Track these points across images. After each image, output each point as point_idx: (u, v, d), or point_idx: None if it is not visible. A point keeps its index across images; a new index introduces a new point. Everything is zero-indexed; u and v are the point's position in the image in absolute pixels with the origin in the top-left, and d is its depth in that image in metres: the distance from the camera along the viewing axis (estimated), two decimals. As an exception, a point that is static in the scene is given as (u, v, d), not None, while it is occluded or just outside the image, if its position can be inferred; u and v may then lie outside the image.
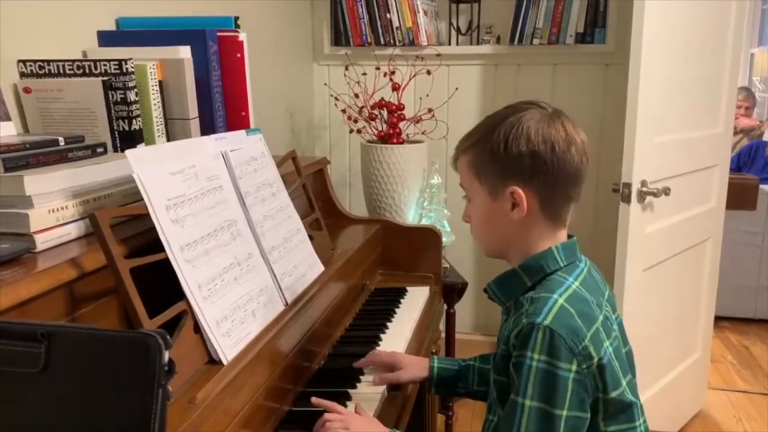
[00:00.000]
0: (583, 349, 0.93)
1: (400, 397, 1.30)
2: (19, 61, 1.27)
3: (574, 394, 0.92)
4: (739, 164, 4.09)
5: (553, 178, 0.99)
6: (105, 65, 1.26)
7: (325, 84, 2.77)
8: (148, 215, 0.97)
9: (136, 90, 1.28)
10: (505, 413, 0.96)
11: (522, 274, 1.03)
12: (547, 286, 0.99)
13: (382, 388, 1.25)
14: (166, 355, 0.58)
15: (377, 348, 1.42)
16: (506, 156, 0.99)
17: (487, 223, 1.06)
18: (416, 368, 1.29)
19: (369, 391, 1.24)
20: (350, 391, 1.23)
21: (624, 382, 0.99)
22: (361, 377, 1.28)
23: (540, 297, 0.97)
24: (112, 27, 1.51)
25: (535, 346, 0.92)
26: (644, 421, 1.04)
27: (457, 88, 2.63)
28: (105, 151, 1.15)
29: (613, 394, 0.97)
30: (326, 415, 1.08)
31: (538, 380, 0.92)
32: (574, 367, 0.92)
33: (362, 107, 2.38)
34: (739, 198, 3.22)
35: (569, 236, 1.07)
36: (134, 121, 1.27)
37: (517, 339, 0.95)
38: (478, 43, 2.74)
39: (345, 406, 1.17)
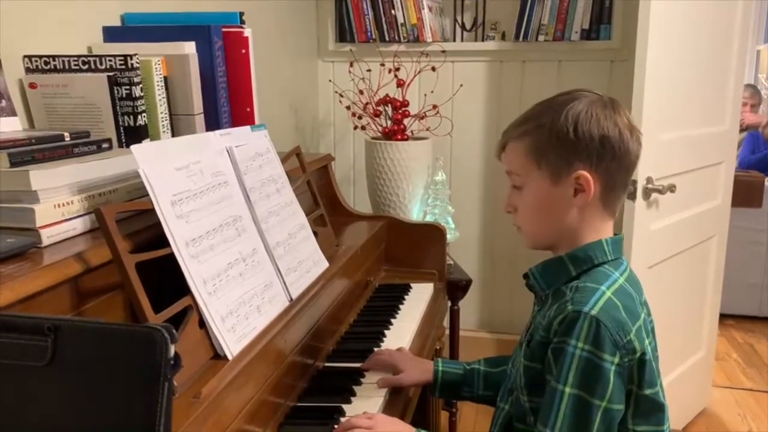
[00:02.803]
0: (627, 343, 0.92)
1: (404, 394, 1.30)
2: (25, 56, 1.27)
3: (616, 387, 0.92)
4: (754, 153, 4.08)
5: (617, 164, 0.99)
6: (110, 61, 1.26)
7: (330, 80, 2.77)
8: (153, 210, 0.97)
9: (141, 86, 1.28)
10: (544, 399, 0.95)
11: (568, 263, 1.02)
12: (594, 278, 0.99)
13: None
14: (172, 349, 0.58)
15: (382, 345, 1.42)
16: (576, 139, 0.98)
17: (543, 210, 1.04)
18: (419, 371, 1.28)
19: (373, 387, 1.24)
20: (354, 387, 1.23)
21: (658, 383, 0.99)
22: (365, 373, 1.28)
23: (586, 287, 0.97)
24: (117, 23, 1.51)
25: (580, 334, 0.92)
26: (669, 427, 1.04)
27: (461, 85, 2.62)
28: (110, 147, 1.15)
29: (648, 392, 0.97)
30: (352, 420, 1.07)
31: (580, 369, 0.92)
32: (616, 360, 0.92)
33: (366, 104, 2.37)
34: (745, 195, 3.21)
35: (615, 234, 1.06)
36: (139, 116, 1.28)
37: (561, 325, 0.94)
38: (482, 40, 2.73)
39: (349, 402, 1.17)
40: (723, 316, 2.93)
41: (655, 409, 0.99)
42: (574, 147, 0.98)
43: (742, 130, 4.20)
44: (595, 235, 1.02)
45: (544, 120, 1.00)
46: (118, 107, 1.26)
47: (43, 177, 0.94)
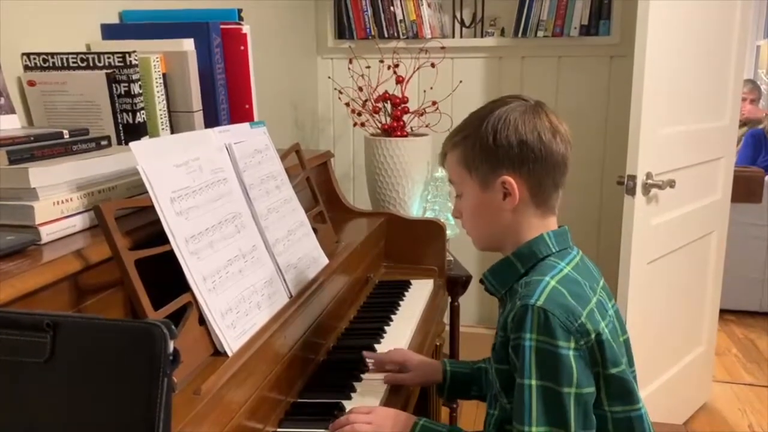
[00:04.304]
0: (579, 326, 0.95)
1: (404, 390, 1.30)
2: (23, 54, 1.27)
3: (579, 371, 0.94)
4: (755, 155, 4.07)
5: (541, 166, 1.03)
6: (109, 58, 1.26)
7: (329, 77, 2.76)
8: (152, 207, 0.97)
9: (139, 83, 1.28)
10: (515, 398, 0.96)
11: (515, 261, 1.06)
12: (540, 271, 1.02)
13: (387, 380, 1.25)
14: (171, 345, 0.58)
15: (382, 341, 1.42)
16: (495, 147, 1.02)
17: (480, 215, 1.09)
18: (427, 372, 1.29)
19: (373, 383, 1.24)
20: (354, 383, 1.23)
21: (623, 362, 1.00)
22: (365, 369, 1.28)
23: (532, 280, 1.00)
24: (115, 20, 1.51)
25: (531, 327, 0.94)
26: (644, 406, 1.04)
27: (461, 81, 2.62)
28: (109, 144, 1.15)
29: (614, 371, 0.98)
30: (350, 416, 1.08)
31: (539, 360, 0.94)
32: (572, 345, 0.94)
33: (366, 100, 2.37)
34: (745, 191, 3.21)
35: (560, 226, 1.09)
36: (138, 113, 1.27)
37: (513, 322, 0.97)
38: (482, 36, 2.73)
39: (349, 398, 1.17)
40: (723, 312, 2.93)
41: (625, 388, 1.00)
42: (495, 154, 1.03)
43: (741, 125, 4.21)
44: (535, 231, 1.06)
45: (469, 131, 1.06)
46: (116, 104, 1.26)
47: (42, 174, 0.94)
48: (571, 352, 0.93)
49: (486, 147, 1.03)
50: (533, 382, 0.93)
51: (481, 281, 1.12)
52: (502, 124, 1.02)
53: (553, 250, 1.04)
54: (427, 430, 1.08)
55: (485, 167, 1.04)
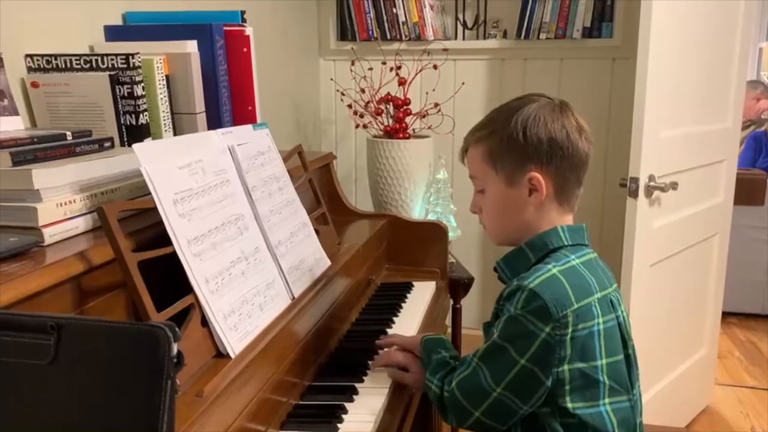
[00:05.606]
0: (562, 317, 0.97)
1: (406, 393, 1.29)
2: (27, 55, 1.28)
3: (537, 351, 0.97)
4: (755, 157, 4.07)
5: (567, 163, 1.05)
6: (112, 60, 1.26)
7: (331, 79, 2.77)
8: (155, 209, 0.97)
9: (143, 84, 1.28)
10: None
11: (527, 251, 1.09)
12: (548, 260, 1.05)
13: (389, 381, 1.25)
14: (175, 347, 0.58)
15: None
16: (525, 143, 1.04)
17: (503, 211, 1.11)
18: None
19: (376, 384, 1.24)
20: (357, 385, 1.23)
21: (600, 363, 1.00)
22: (367, 371, 1.28)
23: (537, 267, 1.03)
24: (118, 22, 1.51)
25: (517, 303, 0.99)
26: (608, 403, 1.02)
27: (463, 83, 2.62)
28: (112, 146, 1.15)
29: (580, 365, 0.99)
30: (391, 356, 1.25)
31: (508, 323, 1.01)
32: (547, 329, 0.97)
33: (368, 102, 2.37)
34: (748, 193, 3.20)
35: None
36: (141, 115, 1.28)
37: (505, 295, 1.03)
38: (484, 38, 2.73)
39: (352, 400, 1.17)
40: (725, 314, 2.92)
41: (589, 384, 1.01)
42: (525, 150, 1.05)
43: (751, 124, 4.21)
44: (551, 226, 1.09)
45: (497, 126, 1.07)
46: (119, 106, 1.26)
47: (45, 176, 0.94)
48: (542, 335, 0.97)
49: (515, 143, 1.05)
50: (496, 338, 1.02)
51: (494, 269, 1.14)
52: (532, 121, 1.04)
53: (565, 243, 1.07)
54: (430, 342, 1.21)
55: (513, 163, 1.06)
